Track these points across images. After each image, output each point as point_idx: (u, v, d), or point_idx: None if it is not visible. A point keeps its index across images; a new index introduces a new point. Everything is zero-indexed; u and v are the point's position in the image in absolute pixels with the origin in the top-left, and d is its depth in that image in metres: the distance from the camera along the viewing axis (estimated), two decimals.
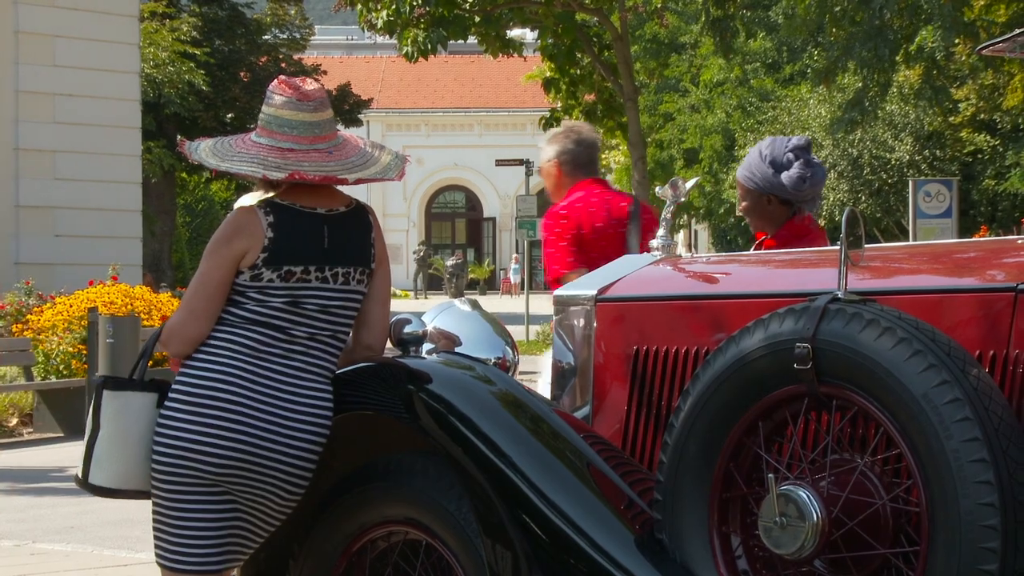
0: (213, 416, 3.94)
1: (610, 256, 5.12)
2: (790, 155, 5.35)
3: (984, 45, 4.33)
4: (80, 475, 4.14)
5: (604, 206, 6.32)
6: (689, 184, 4.72)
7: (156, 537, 4.07)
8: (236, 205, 4.59)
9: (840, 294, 3.38)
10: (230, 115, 36.06)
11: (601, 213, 6.29)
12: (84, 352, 14.90)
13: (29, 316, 16.08)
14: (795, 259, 4.66)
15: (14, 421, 14.86)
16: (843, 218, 3.48)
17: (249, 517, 4.02)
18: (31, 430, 14.77)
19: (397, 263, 52.97)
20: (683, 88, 40.57)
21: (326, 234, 4.07)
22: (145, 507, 4.17)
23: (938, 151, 29.51)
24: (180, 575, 4.02)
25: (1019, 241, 3.82)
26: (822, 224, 30.88)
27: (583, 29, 26.48)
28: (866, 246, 3.61)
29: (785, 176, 5.32)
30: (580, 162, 6.40)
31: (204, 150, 4.07)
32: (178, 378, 4.02)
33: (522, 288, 29.47)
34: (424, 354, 4.21)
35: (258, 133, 4.08)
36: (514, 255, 31.96)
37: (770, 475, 3.39)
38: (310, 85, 4.11)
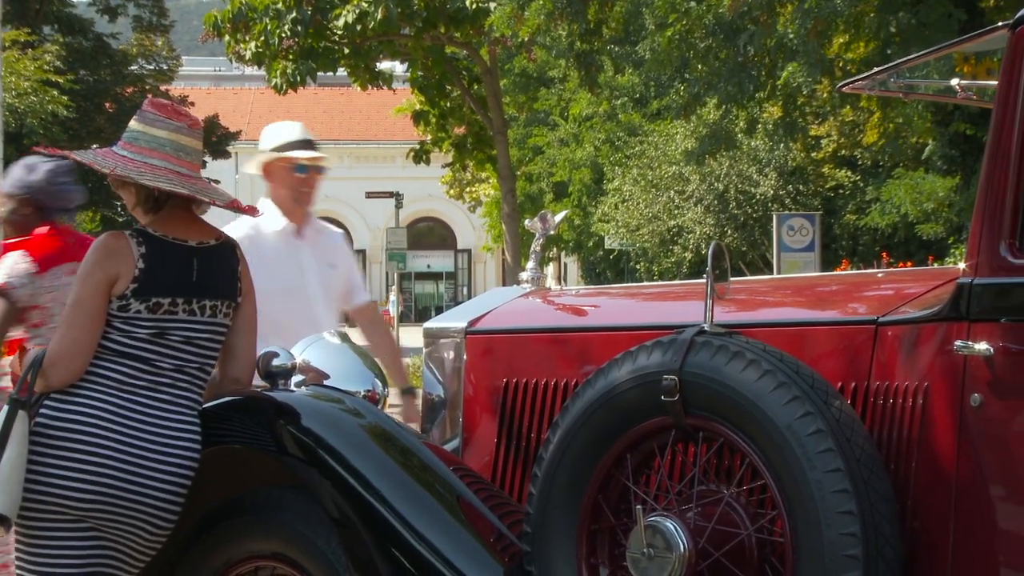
0: (78, 451, 3.88)
1: None
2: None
3: (844, 83, 4.42)
4: None
5: None
6: (558, 217, 4.75)
7: (19, 568, 3.99)
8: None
9: (706, 327, 3.43)
10: (95, 145, 35.54)
11: None
12: None
13: None
14: (663, 292, 4.72)
15: None
16: (709, 252, 3.52)
17: (116, 553, 3.95)
18: None
19: None
20: (552, 122, 40.80)
21: (195, 267, 4.04)
22: (7, 540, 4.08)
23: (801, 186, 29.97)
24: None
25: (879, 275, 3.90)
26: (688, 257, 31.18)
27: (452, 62, 26.57)
28: (732, 279, 3.67)
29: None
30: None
31: (110, 163, 4.00)
32: (42, 411, 3.93)
33: (405, 320, 29.40)
34: (293, 387, 4.19)
35: (144, 153, 4.01)
36: (392, 287, 31.84)
37: (638, 506, 3.41)
38: (193, 114, 4.14)
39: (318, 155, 5.53)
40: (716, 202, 30.35)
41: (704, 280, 3.55)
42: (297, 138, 5.50)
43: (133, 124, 4.08)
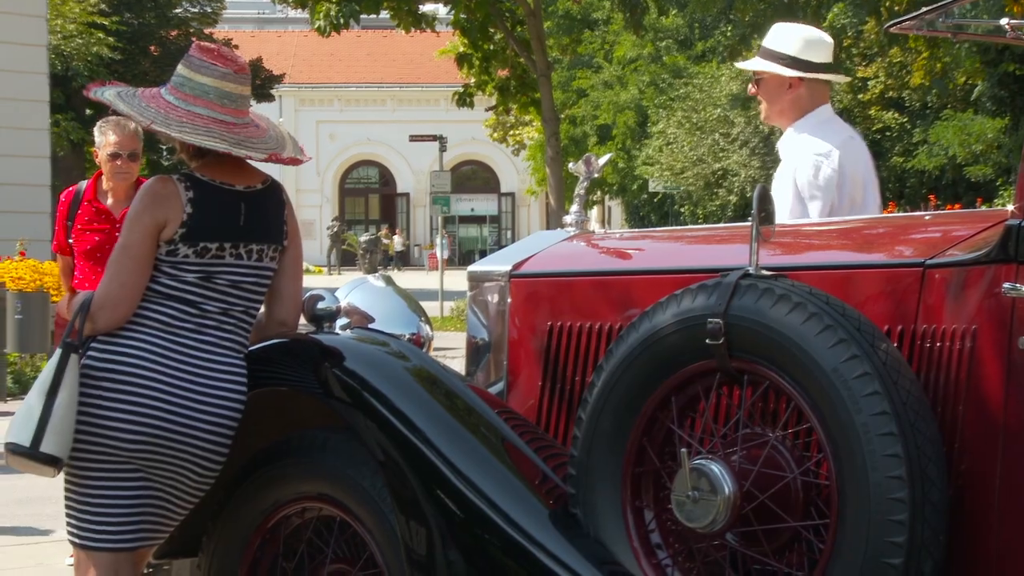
0: (125, 392, 3.91)
1: None
2: None
3: (892, 23, 4.38)
4: (25, 443, 3.90)
5: None
6: (602, 160, 4.73)
7: (68, 514, 4.03)
8: None
9: (751, 270, 3.42)
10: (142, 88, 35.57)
11: None
12: None
13: None
14: (707, 235, 4.70)
15: None
16: (754, 194, 3.51)
17: (163, 495, 3.99)
18: None
19: (310, 239, 52.72)
20: (596, 64, 40.65)
21: (242, 211, 4.05)
22: (56, 484, 4.12)
23: None
24: (92, 552, 3.99)
25: (927, 217, 3.87)
26: (733, 200, 31.08)
27: (496, 4, 26.45)
28: (776, 222, 3.65)
29: None
30: None
31: (151, 115, 4.00)
32: (89, 354, 3.97)
33: (449, 264, 29.45)
34: (338, 330, 4.20)
35: (188, 101, 4.01)
36: (438, 231, 31.86)
37: (682, 449, 3.42)
38: (240, 57, 4.11)
39: None
40: (761, 144, 30.20)
41: (749, 223, 3.54)
42: None
43: (180, 68, 4.07)
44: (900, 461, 3.14)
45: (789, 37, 4.93)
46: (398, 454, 3.77)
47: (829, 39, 5.00)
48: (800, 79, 4.90)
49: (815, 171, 4.78)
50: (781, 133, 5.06)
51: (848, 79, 5.34)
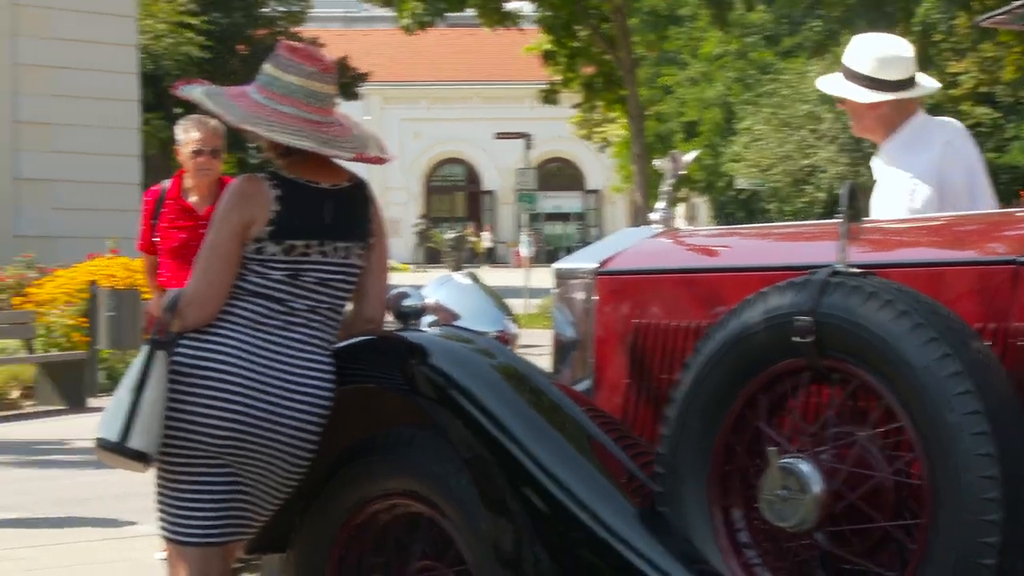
0: (213, 388, 3.94)
1: None
2: None
3: (983, 17, 4.32)
4: (114, 438, 3.93)
5: None
6: (689, 157, 4.71)
7: (159, 509, 4.08)
8: None
9: (841, 267, 3.39)
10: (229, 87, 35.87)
11: None
12: (85, 325, 14.91)
13: (29, 289, 16.07)
14: (795, 232, 4.66)
15: (15, 394, 14.86)
16: (843, 191, 3.48)
17: (252, 491, 4.02)
18: (32, 403, 14.77)
19: (397, 236, 52.93)
20: (682, 61, 40.48)
21: (328, 209, 4.07)
22: (147, 479, 4.17)
23: None
24: (183, 547, 4.03)
25: (1019, 214, 3.81)
26: (821, 197, 30.83)
27: (581, 1, 26.44)
28: (865, 219, 3.62)
29: None
30: None
31: (239, 114, 4.02)
32: (178, 350, 4.00)
33: (534, 261, 29.46)
34: (424, 327, 4.21)
35: (275, 100, 4.03)
36: (526, 228, 31.86)
37: (771, 448, 3.39)
38: (327, 56, 4.12)
39: None
40: (851, 140, 29.95)
41: (837, 220, 3.51)
42: None
43: (267, 68, 4.10)
44: (993, 461, 3.10)
45: (865, 55, 4.78)
46: (484, 451, 3.78)
47: (908, 52, 4.83)
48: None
49: (910, 195, 4.66)
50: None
51: (932, 90, 5.26)
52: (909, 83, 4.75)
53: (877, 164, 4.86)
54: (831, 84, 4.89)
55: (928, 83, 4.89)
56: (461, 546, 3.90)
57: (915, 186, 4.65)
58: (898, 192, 4.65)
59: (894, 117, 4.77)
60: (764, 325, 3.43)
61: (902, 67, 4.74)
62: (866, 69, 4.74)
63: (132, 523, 8.19)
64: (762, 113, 33.46)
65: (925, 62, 21.71)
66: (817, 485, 3.32)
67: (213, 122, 6.99)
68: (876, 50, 4.78)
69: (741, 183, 36.69)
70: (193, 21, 32.76)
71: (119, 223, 19.85)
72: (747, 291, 3.56)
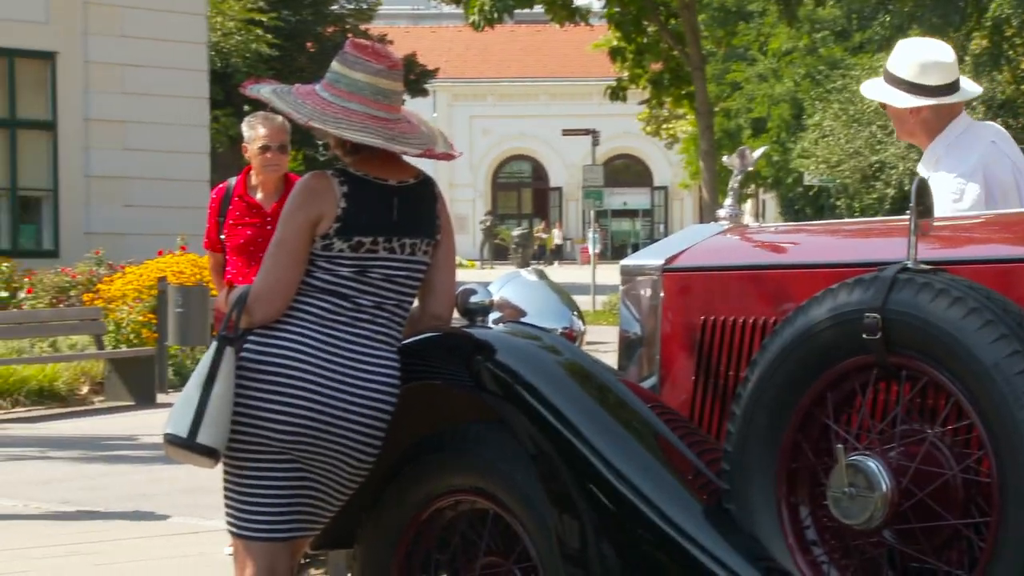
0: (280, 384, 3.96)
1: None
2: None
3: None
4: (183, 433, 3.96)
5: None
6: (757, 153, 4.69)
7: (227, 504, 4.10)
8: None
9: (910, 264, 3.36)
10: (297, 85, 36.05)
11: None
12: (154, 321, 15.04)
13: (100, 285, 16.23)
14: (863, 229, 4.63)
15: (85, 389, 15.02)
16: (913, 187, 3.45)
17: (318, 486, 4.04)
18: (102, 398, 14.92)
19: (463, 233, 53.03)
20: (751, 57, 40.30)
21: (395, 206, 4.08)
22: (216, 475, 4.20)
23: (1011, 120, 29.19)
24: (250, 542, 4.05)
25: None
26: (890, 193, 30.63)
27: None
28: (935, 215, 3.59)
29: None
30: None
31: (308, 111, 4.04)
32: (246, 346, 4.03)
33: (601, 258, 29.42)
34: (491, 324, 4.22)
35: (343, 97, 4.04)
36: (593, 225, 31.84)
37: (838, 445, 3.37)
38: (395, 53, 4.14)
39: None
40: None
41: (907, 216, 3.48)
42: None
43: (334, 65, 4.12)
44: None
45: (906, 60, 4.79)
46: (551, 448, 3.77)
47: (949, 58, 4.82)
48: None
49: (959, 196, 4.65)
50: None
51: (974, 95, 5.20)
52: (951, 88, 4.77)
53: (922, 169, 4.85)
54: (873, 89, 4.89)
55: (971, 88, 4.90)
56: (527, 543, 3.90)
57: (963, 187, 4.64)
58: (945, 194, 4.63)
59: (936, 121, 4.79)
60: (832, 322, 3.41)
61: (943, 72, 4.75)
62: (907, 74, 4.75)
63: (200, 519, 8.26)
64: (831, 109, 33.21)
65: (997, 58, 21.52)
66: (885, 483, 3.30)
67: (279, 118, 7.03)
68: (918, 55, 4.79)
69: (810, 179, 36.46)
70: (262, 19, 32.93)
71: (189, 220, 19.99)
72: (815, 288, 3.54)
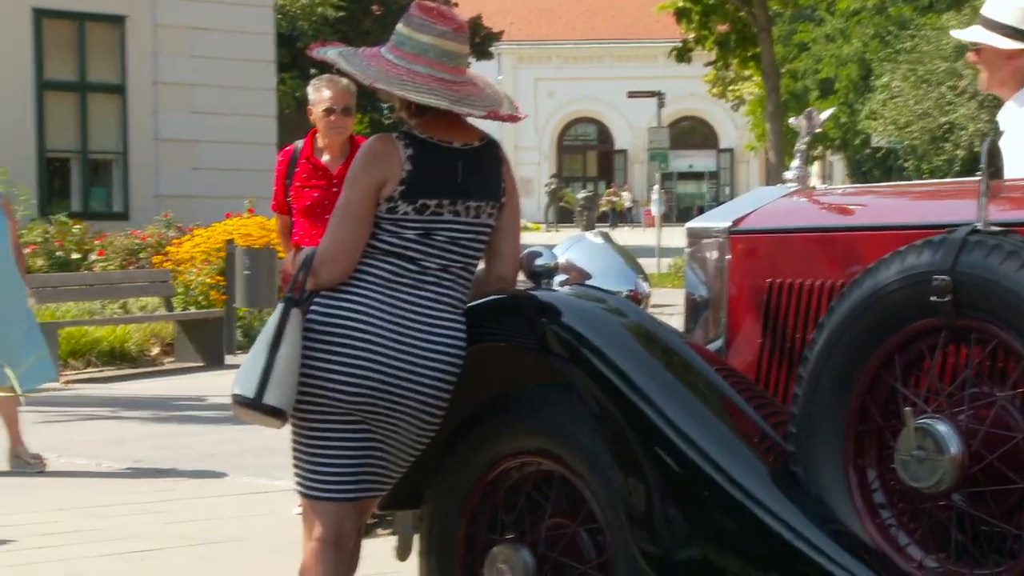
0: (347, 346, 3.98)
1: None
2: None
3: None
4: (250, 394, 3.99)
5: None
6: (824, 115, 4.65)
7: (295, 465, 4.13)
8: None
9: (980, 225, 3.33)
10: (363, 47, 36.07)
11: None
12: (222, 283, 15.15)
13: (169, 248, 16.37)
14: (932, 190, 4.59)
15: (155, 351, 15.17)
16: (983, 149, 3.41)
17: (385, 447, 4.06)
18: (172, 359, 15.07)
19: (528, 196, 52.97)
20: (818, 17, 39.94)
21: (460, 168, 4.09)
22: (283, 436, 4.23)
23: None
24: (318, 503, 4.09)
25: None
26: (960, 155, 30.30)
27: None
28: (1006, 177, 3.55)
29: None
30: None
31: (373, 73, 4.05)
32: (312, 308, 4.05)
33: (666, 220, 29.28)
34: (556, 286, 4.22)
35: (409, 59, 4.05)
36: (654, 187, 31.71)
37: (907, 408, 3.35)
38: (460, 15, 4.13)
39: None
40: (991, 98, 29.36)
41: (977, 178, 3.45)
42: None
43: (400, 27, 4.12)
44: None
45: (1009, 5, 4.70)
46: (617, 410, 3.77)
47: None
48: (1021, 50, 4.69)
49: None
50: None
51: None
52: None
53: (1004, 117, 4.75)
54: (969, 32, 4.79)
55: None
56: (593, 505, 3.91)
57: None
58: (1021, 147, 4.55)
59: None
60: (900, 284, 3.39)
61: None
62: (1010, 19, 4.64)
63: (268, 478, 8.33)
64: (900, 70, 32.88)
65: None
66: (954, 446, 3.28)
67: (344, 81, 7.05)
68: (1019, 0, 4.68)
69: (878, 141, 36.15)
70: None
71: (256, 183, 20.09)
72: (883, 250, 3.51)
